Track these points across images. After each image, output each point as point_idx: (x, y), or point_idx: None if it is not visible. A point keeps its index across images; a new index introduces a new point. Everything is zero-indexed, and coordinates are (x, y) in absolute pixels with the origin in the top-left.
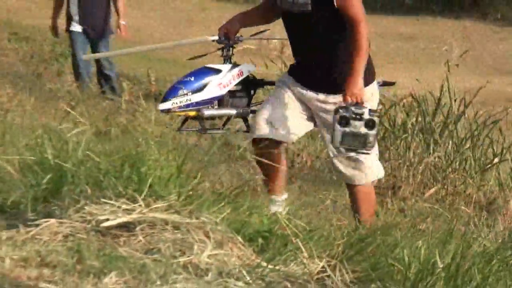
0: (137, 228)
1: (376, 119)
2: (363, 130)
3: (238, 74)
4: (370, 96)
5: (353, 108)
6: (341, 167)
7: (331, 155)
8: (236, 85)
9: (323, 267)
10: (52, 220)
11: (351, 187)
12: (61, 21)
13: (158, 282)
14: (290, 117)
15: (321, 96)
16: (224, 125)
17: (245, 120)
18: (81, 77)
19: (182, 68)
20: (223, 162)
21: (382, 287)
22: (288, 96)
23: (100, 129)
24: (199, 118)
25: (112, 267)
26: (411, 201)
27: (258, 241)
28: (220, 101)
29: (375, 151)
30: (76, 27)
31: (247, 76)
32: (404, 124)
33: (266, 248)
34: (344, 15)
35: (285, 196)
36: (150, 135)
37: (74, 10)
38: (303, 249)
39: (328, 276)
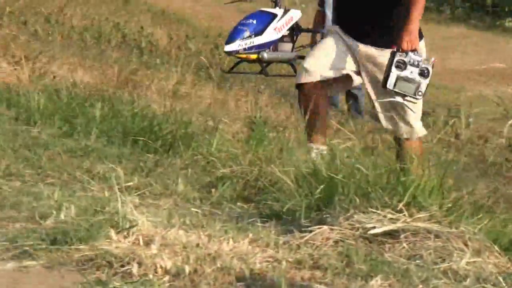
0: (401, 236)
1: (430, 68)
2: (418, 77)
3: (289, 20)
4: (421, 49)
5: (411, 54)
6: (388, 122)
7: (378, 110)
8: None
9: None
10: (324, 227)
11: (402, 143)
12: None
13: (420, 286)
14: (337, 63)
15: (372, 50)
16: (262, 70)
17: (292, 65)
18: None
19: None
20: (479, 176)
21: None
22: (338, 46)
23: (367, 144)
24: (260, 61)
25: (378, 271)
26: None
27: None
28: (274, 45)
29: (419, 108)
30: None
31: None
32: None
33: None
34: None
35: (324, 147)
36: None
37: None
38: None
39: None
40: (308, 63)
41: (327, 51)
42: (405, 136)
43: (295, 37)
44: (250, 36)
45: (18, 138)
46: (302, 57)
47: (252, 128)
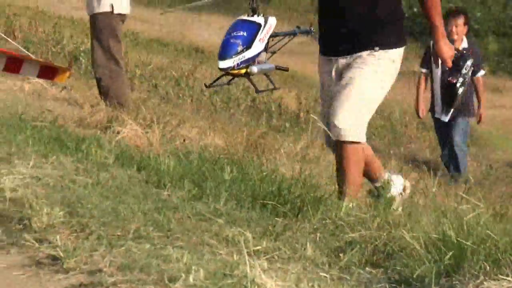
0: None
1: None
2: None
3: (269, 28)
4: (391, 63)
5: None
6: None
7: None
8: None
9: None
10: None
11: None
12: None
13: None
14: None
15: (346, 59)
16: (229, 82)
17: (267, 75)
18: (448, 167)
19: None
20: None
21: None
22: (330, 84)
23: (496, 211)
24: (248, 76)
25: None
26: None
27: None
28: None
29: None
30: (445, 118)
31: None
32: None
33: None
34: None
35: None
36: None
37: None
38: None
39: None
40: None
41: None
42: None
43: (268, 46)
44: (242, 51)
45: (148, 201)
46: (282, 68)
47: (380, 192)
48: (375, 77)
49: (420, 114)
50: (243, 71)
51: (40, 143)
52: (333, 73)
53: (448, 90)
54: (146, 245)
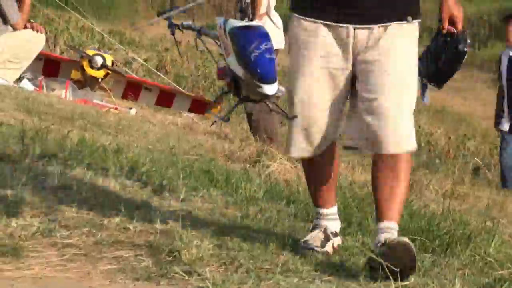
0: None
1: None
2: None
3: None
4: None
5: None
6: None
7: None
8: None
9: None
10: None
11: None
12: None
13: None
14: (329, 112)
15: (379, 29)
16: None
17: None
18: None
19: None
20: None
21: None
22: (318, 72)
23: None
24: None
25: None
26: None
27: None
28: None
29: None
30: (505, 126)
31: None
32: None
33: None
34: None
35: (335, 208)
36: None
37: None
38: None
39: None
40: (294, 130)
41: (311, 97)
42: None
43: None
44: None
45: (297, 234)
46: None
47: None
48: (415, 61)
49: None
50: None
51: (190, 176)
52: (349, 50)
53: None
54: (294, 278)
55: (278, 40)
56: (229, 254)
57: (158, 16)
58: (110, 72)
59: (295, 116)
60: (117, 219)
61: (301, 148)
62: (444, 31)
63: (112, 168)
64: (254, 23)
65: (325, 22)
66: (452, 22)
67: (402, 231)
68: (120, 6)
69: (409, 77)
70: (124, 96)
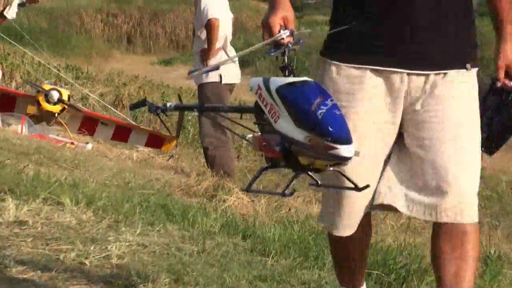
0: None
1: None
2: None
3: None
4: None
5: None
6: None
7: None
8: None
9: None
10: None
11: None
12: None
13: None
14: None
15: (435, 77)
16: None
17: None
18: None
19: None
20: None
21: None
22: (364, 128)
23: None
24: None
25: None
26: None
27: None
28: None
29: None
30: None
31: None
32: None
33: None
34: None
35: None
36: None
37: None
38: None
39: None
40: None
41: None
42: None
43: None
44: None
45: (253, 269)
46: None
47: (486, 263)
48: (477, 112)
49: None
50: None
51: (147, 211)
52: (400, 98)
53: None
54: None
55: (233, 74)
56: None
57: (189, 74)
58: (66, 106)
59: (367, 186)
60: (73, 254)
61: (348, 225)
62: (499, 85)
63: (68, 203)
64: (304, 78)
65: (374, 68)
66: (510, 76)
67: None
68: (76, 42)
69: (473, 128)
70: (80, 131)
